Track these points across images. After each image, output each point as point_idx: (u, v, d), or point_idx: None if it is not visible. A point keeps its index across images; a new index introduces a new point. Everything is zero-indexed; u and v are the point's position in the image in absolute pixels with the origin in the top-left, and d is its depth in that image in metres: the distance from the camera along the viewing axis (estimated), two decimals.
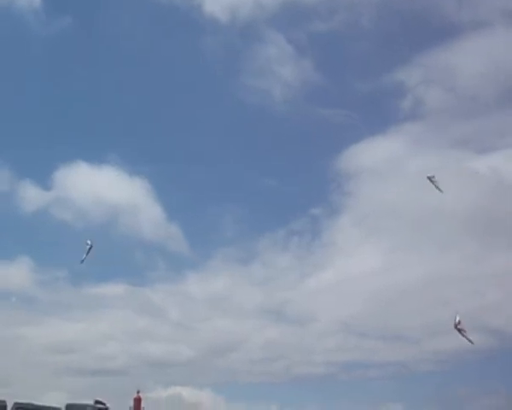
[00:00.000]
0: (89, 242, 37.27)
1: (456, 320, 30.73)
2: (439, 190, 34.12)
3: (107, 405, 69.01)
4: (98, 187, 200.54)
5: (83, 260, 37.62)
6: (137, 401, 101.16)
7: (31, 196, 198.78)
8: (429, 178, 33.94)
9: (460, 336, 31.41)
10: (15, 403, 43.54)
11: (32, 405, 46.18)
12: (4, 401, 47.98)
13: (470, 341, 31.63)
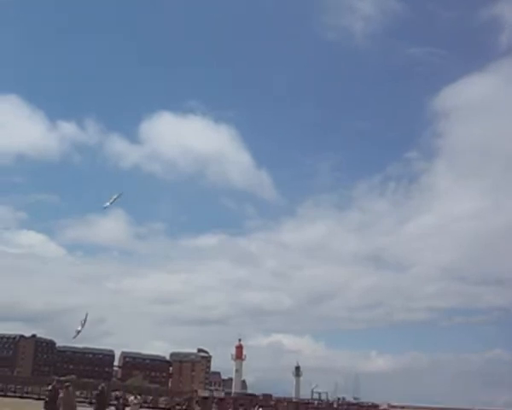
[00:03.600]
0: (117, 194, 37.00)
1: None
2: None
3: (210, 353, 68.73)
4: (184, 137, 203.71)
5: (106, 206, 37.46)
6: (239, 348, 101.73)
7: (120, 150, 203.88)
8: None
9: None
10: (123, 353, 43.85)
11: (139, 354, 46.39)
12: (112, 351, 48.40)
13: None
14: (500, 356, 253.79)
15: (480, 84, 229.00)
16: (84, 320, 36.62)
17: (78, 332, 36.77)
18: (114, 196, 36.32)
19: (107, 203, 36.62)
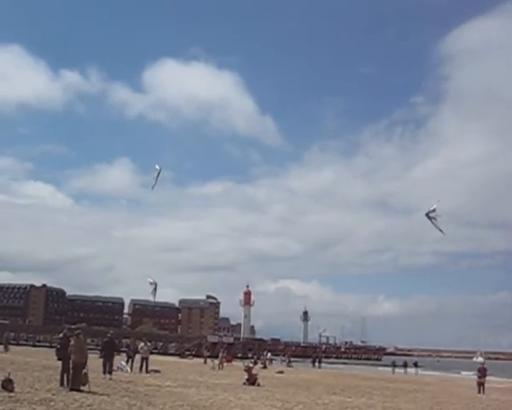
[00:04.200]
0: (157, 167, 36.77)
1: (432, 208, 28.80)
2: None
3: (219, 299, 70.25)
4: (188, 85, 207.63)
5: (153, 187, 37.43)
6: (247, 294, 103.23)
7: (123, 98, 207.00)
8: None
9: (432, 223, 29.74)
10: (132, 300, 44.39)
11: (148, 302, 46.84)
12: (122, 299, 49.11)
13: (441, 230, 29.80)
14: (505, 299, 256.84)
15: (486, 27, 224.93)
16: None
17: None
18: (155, 175, 36.76)
19: (153, 184, 37.17)
